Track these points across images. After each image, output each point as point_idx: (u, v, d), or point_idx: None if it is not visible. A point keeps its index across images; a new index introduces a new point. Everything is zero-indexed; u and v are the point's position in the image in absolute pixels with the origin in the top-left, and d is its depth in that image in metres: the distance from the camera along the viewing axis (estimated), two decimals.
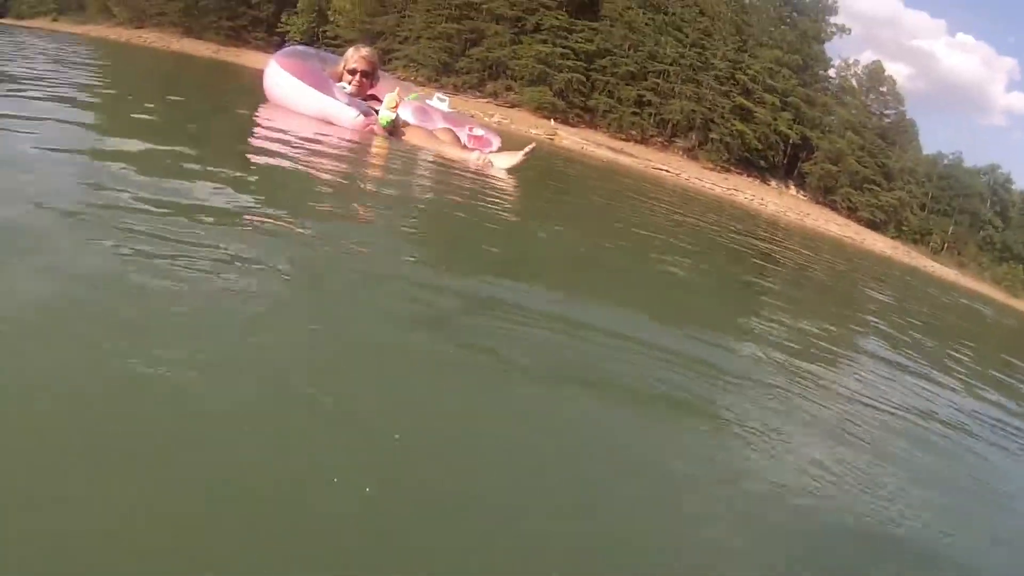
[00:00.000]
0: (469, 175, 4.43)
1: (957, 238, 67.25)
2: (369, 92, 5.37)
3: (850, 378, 2.58)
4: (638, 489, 1.17)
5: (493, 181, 4.48)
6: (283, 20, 61.55)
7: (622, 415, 1.45)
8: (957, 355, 4.70)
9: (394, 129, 5.05)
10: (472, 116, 7.01)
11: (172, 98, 6.25)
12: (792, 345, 2.73)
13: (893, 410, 2.24)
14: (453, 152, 5.09)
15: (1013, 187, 72.53)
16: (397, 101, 5.01)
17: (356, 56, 5.36)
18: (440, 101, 6.02)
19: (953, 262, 65.32)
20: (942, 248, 65.88)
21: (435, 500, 0.92)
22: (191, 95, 7.31)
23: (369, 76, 5.37)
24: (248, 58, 46.48)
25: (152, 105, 4.91)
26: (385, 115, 4.91)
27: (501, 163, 5.04)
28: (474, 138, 5.64)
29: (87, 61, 9.56)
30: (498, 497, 0.98)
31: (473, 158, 4.96)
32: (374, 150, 4.51)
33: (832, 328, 3.76)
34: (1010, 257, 71.18)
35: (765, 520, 1.20)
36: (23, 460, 0.77)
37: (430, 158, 4.77)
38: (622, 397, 1.53)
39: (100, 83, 6.31)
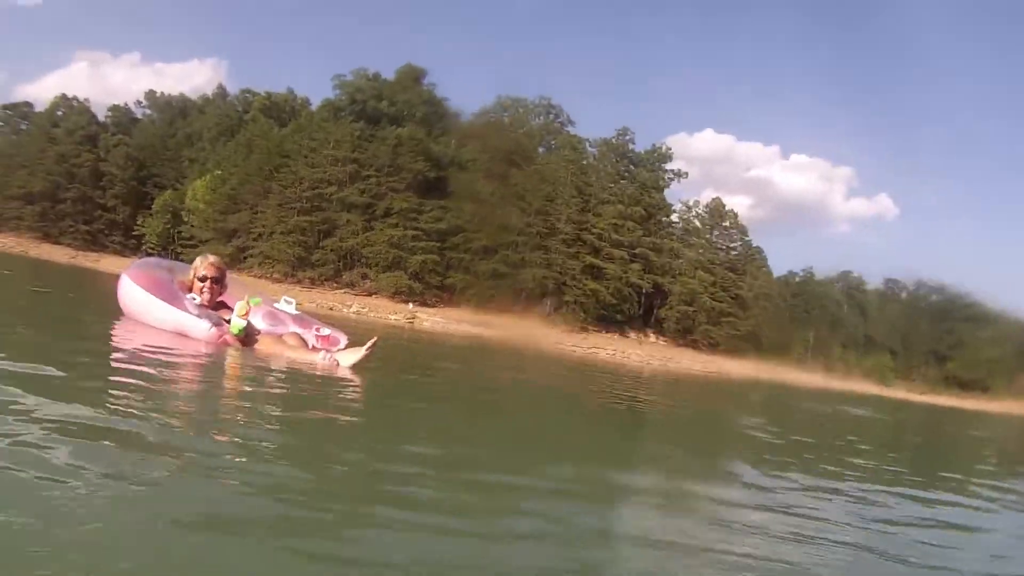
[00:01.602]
0: (320, 376, 4.62)
1: (819, 344, 70.72)
2: (219, 299, 5.45)
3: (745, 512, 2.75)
4: None
5: (347, 380, 4.65)
6: (138, 223, 61.56)
7: None
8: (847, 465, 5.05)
9: (246, 336, 5.09)
10: (318, 316, 7.02)
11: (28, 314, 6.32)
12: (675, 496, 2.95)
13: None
14: (302, 356, 5.20)
15: (867, 287, 77.20)
16: (247, 308, 5.08)
17: (204, 264, 5.42)
18: (287, 303, 6.03)
19: (820, 366, 68.52)
20: (806, 356, 69.13)
21: None
22: (48, 311, 7.18)
23: (218, 282, 5.41)
24: (107, 263, 46.08)
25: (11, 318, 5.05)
26: (236, 323, 4.98)
27: (346, 360, 5.09)
28: (321, 338, 5.65)
29: None
30: None
31: (319, 359, 5.05)
32: (228, 361, 4.55)
33: (711, 472, 3.95)
34: (875, 349, 75.06)
35: None
36: None
37: (282, 364, 4.83)
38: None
39: None
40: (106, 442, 2.01)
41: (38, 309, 6.90)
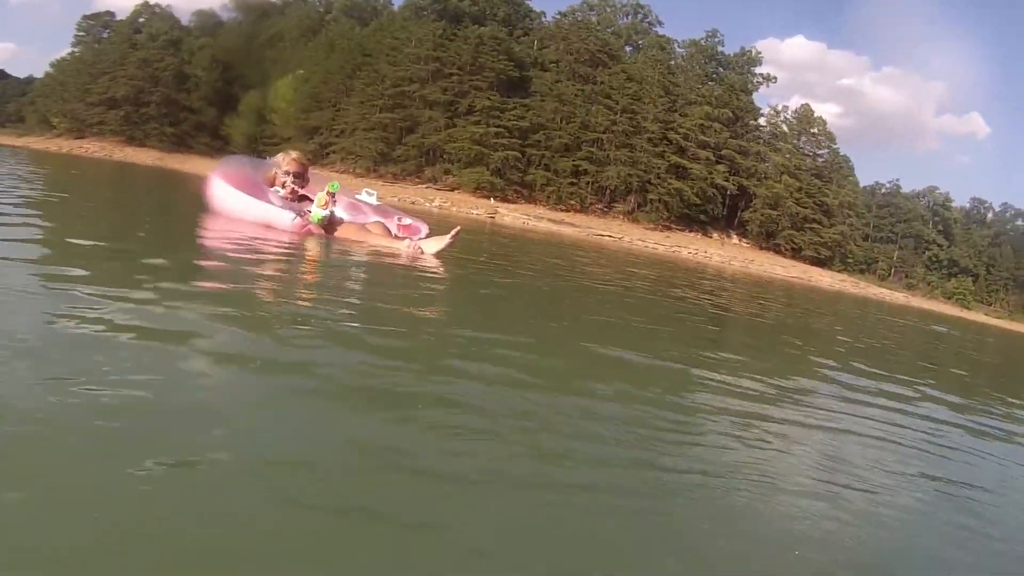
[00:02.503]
0: (404, 263, 4.82)
1: (903, 262, 68.89)
2: (302, 192, 5.67)
3: (830, 416, 2.79)
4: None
5: (430, 267, 4.84)
6: (225, 123, 62.19)
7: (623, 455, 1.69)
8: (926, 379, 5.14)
9: (328, 225, 5.37)
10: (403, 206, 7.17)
11: (124, 211, 6.66)
12: (765, 391, 2.94)
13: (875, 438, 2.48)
14: (386, 243, 5.47)
15: (953, 205, 74.69)
16: (327, 199, 5.35)
17: (287, 160, 5.67)
18: (368, 195, 6.29)
19: (902, 286, 66.87)
20: (889, 274, 67.45)
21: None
22: (142, 209, 7.54)
23: (300, 176, 5.64)
24: (194, 164, 46.70)
25: (107, 217, 5.38)
26: (317, 213, 5.27)
27: (430, 248, 5.36)
28: (403, 227, 5.91)
29: (35, 176, 9.67)
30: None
31: (404, 246, 5.32)
32: (314, 248, 4.79)
33: (794, 372, 3.93)
34: (958, 271, 73.02)
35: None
36: None
37: (366, 251, 5.06)
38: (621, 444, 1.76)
39: (54, 198, 6.57)
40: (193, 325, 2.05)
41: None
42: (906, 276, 67.96)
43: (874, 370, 4.72)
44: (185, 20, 67.93)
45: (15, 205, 4.89)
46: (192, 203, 5.90)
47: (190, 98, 63.90)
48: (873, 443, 2.44)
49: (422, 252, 5.28)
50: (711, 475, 1.68)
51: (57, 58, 78.39)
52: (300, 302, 2.91)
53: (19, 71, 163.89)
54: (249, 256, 3.88)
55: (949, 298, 68.60)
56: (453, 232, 5.41)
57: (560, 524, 1.27)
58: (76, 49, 73.52)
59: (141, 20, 69.23)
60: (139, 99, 63.55)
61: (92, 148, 60.32)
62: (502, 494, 1.34)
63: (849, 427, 2.61)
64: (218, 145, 61.28)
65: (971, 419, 3.56)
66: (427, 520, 1.19)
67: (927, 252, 70.33)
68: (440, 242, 5.39)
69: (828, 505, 1.65)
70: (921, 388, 4.43)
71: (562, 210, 53.72)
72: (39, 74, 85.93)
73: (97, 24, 73.28)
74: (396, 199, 42.91)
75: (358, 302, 3.15)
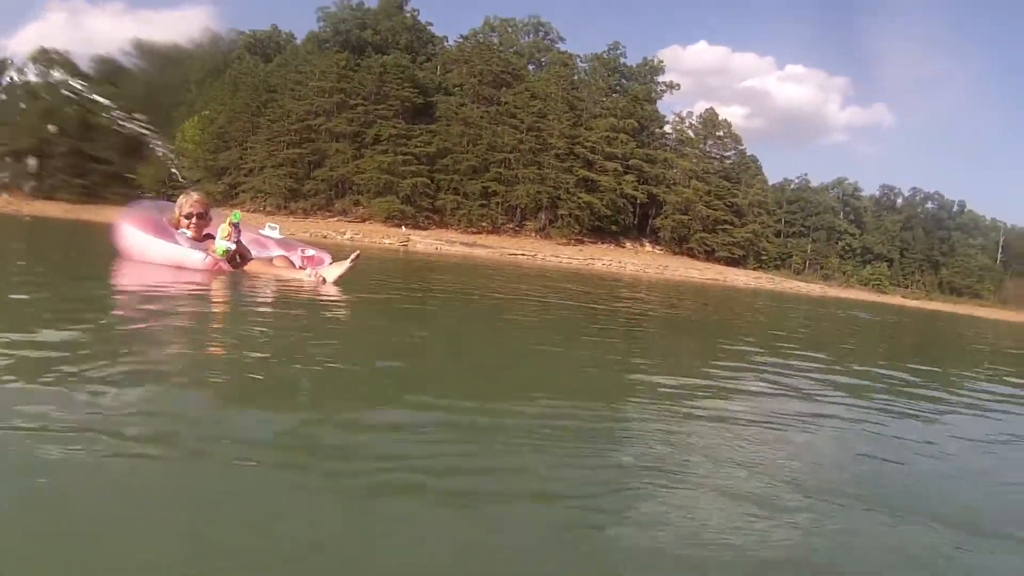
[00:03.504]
0: (310, 291, 5.01)
1: (817, 254, 70.84)
2: (205, 231, 5.83)
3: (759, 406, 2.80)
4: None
5: (333, 296, 4.99)
6: (135, 171, 61.41)
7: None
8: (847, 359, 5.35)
9: (237, 262, 5.55)
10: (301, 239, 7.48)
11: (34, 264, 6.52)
12: (688, 389, 2.93)
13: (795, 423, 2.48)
14: (289, 274, 5.68)
15: (862, 194, 77.08)
16: (229, 230, 5.46)
17: (189, 201, 5.77)
18: (271, 229, 6.48)
19: (818, 277, 68.76)
20: (804, 267, 69.32)
21: None
22: (53, 258, 7.56)
23: (203, 217, 5.78)
24: (107, 214, 45.89)
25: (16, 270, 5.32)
26: (221, 244, 5.38)
27: (331, 275, 5.51)
28: (307, 259, 6.10)
29: None
30: None
31: (305, 276, 5.49)
32: (225, 285, 4.90)
33: (721, 365, 3.98)
34: (872, 258, 75.34)
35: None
36: None
37: (272, 283, 5.26)
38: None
39: None
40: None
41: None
42: (821, 268, 69.87)
43: (796, 358, 4.90)
44: (83, 65, 66.84)
45: None
46: (105, 251, 5.94)
47: (96, 147, 62.93)
48: (809, 431, 2.48)
49: (324, 280, 5.45)
50: (640, 476, 1.66)
51: None
52: (213, 341, 2.93)
53: None
54: (160, 296, 4.05)
55: (865, 284, 70.72)
56: (352, 257, 5.55)
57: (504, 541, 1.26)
58: None
59: (38, 66, 68.09)
60: (43, 151, 62.49)
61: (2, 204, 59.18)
62: (435, 512, 1.34)
63: (793, 414, 2.67)
64: (131, 193, 60.61)
65: (892, 396, 3.67)
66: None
67: (840, 242, 72.40)
68: (340, 267, 5.55)
69: (759, 500, 1.61)
70: (840, 366, 4.71)
71: (474, 232, 54.29)
72: None
73: None
74: (308, 234, 42.86)
75: (263, 339, 3.10)
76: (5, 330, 2.46)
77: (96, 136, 66.97)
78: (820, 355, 5.44)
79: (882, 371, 4.90)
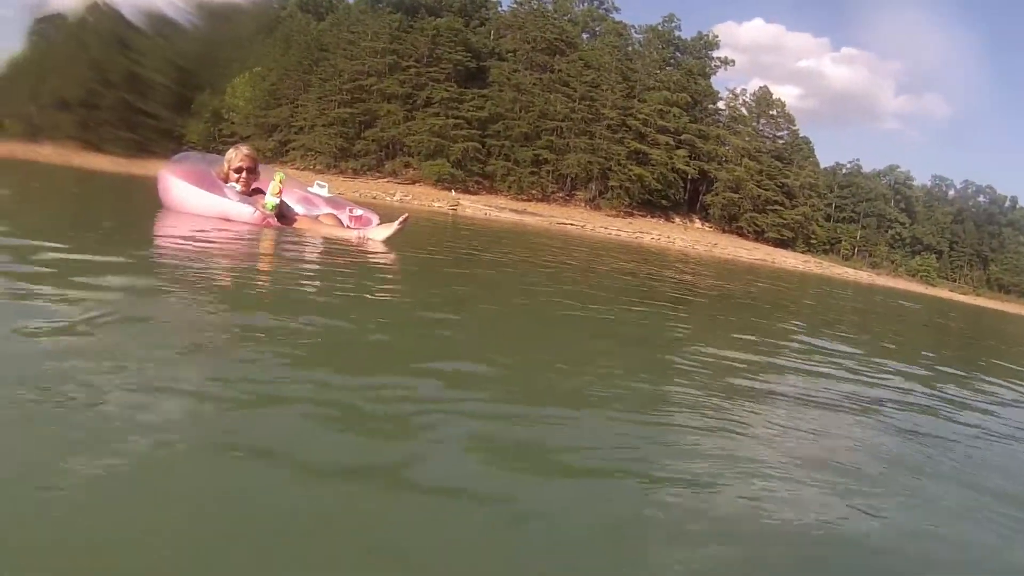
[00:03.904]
0: (357, 250, 4.93)
1: (867, 241, 69.51)
2: (253, 187, 5.73)
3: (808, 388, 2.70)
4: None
5: (381, 256, 4.93)
6: (179, 124, 61.50)
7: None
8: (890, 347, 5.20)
9: (285, 218, 5.55)
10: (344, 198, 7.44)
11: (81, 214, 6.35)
12: (736, 368, 2.82)
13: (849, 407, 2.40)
14: (338, 233, 5.67)
15: (914, 183, 75.49)
16: (280, 187, 5.48)
17: (239, 155, 5.71)
18: (320, 187, 6.38)
19: (866, 264, 67.55)
20: (853, 253, 68.08)
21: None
22: (99, 208, 7.26)
23: (252, 172, 5.72)
24: (153, 167, 46.32)
25: (62, 222, 5.12)
26: (270, 200, 5.38)
27: (379, 235, 5.47)
28: (355, 218, 6.03)
29: None
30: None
31: (354, 236, 5.50)
32: (272, 240, 4.85)
33: (768, 347, 3.87)
34: (922, 249, 73.88)
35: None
36: None
37: (319, 240, 5.23)
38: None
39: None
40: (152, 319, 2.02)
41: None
42: (870, 255, 68.62)
43: (845, 344, 4.83)
44: (134, 20, 67.01)
45: None
46: (152, 204, 5.83)
47: (145, 101, 63.10)
48: (859, 419, 2.37)
49: (371, 239, 5.43)
50: (692, 460, 1.57)
51: (9, 58, 77.46)
52: (258, 293, 2.91)
53: None
54: (213, 249, 3.94)
55: (913, 275, 69.44)
56: (401, 219, 5.51)
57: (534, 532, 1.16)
58: (27, 51, 72.57)
59: (90, 20, 68.34)
60: (91, 102, 62.78)
61: (47, 153, 59.44)
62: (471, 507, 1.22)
63: (838, 401, 2.58)
64: (176, 148, 60.66)
65: (941, 388, 3.51)
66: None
67: (890, 231, 71.03)
68: (388, 229, 5.49)
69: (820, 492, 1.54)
70: (887, 358, 4.45)
71: (524, 200, 53.77)
72: None
73: (48, 26, 72.25)
74: (357, 194, 42.69)
75: (310, 298, 3.05)
76: (52, 282, 2.29)
77: (143, 89, 67.56)
78: (887, 346, 5.33)
79: (929, 362, 4.83)
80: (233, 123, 58.98)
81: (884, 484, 1.66)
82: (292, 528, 1.00)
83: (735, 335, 4.18)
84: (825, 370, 3.22)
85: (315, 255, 4.54)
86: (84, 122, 66.36)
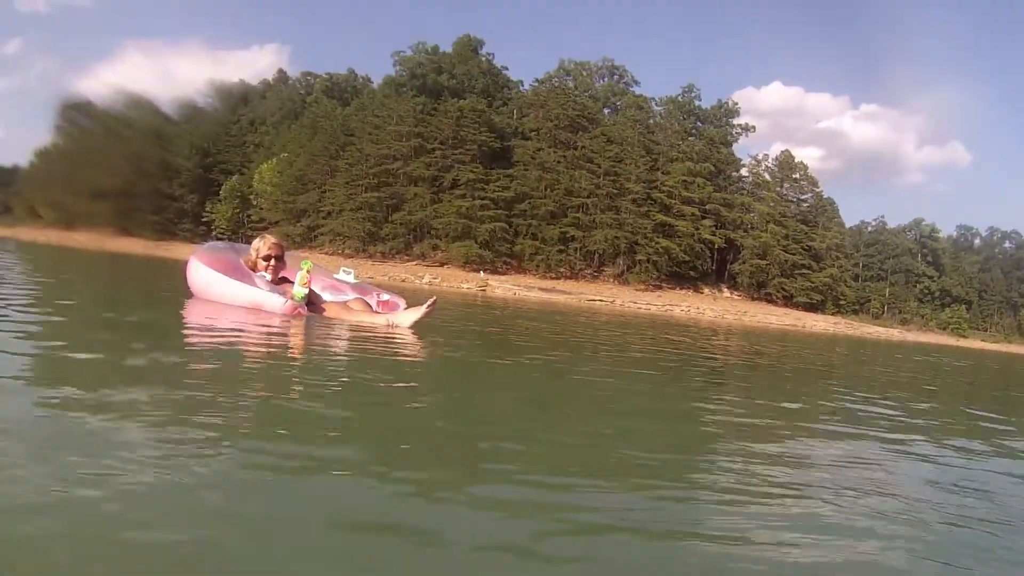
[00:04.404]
0: (387, 336, 4.97)
1: (896, 298, 69.07)
2: (281, 275, 5.79)
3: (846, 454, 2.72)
4: None
5: (410, 342, 4.93)
6: (207, 209, 62.53)
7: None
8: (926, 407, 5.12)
9: (313, 305, 5.56)
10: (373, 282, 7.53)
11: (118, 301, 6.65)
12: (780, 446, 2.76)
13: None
14: (368, 319, 5.65)
15: (940, 235, 75.14)
16: (308, 277, 5.47)
17: (267, 244, 5.76)
18: (346, 274, 6.42)
19: (896, 322, 67.01)
20: (882, 311, 67.59)
21: None
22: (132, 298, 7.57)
23: (280, 260, 5.78)
24: (178, 251, 46.92)
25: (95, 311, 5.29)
26: (299, 291, 5.39)
27: (407, 320, 5.49)
28: (382, 303, 6.08)
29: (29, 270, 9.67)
30: None
31: (382, 321, 5.54)
32: (303, 329, 4.88)
33: (805, 415, 3.89)
34: (951, 301, 73.26)
35: None
36: None
37: (348, 327, 5.22)
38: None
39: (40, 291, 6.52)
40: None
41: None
42: (899, 312, 68.09)
43: (880, 402, 4.89)
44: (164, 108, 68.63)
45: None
46: (180, 290, 6.01)
47: (171, 186, 64.29)
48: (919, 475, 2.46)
49: (398, 325, 5.47)
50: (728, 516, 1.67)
51: (41, 148, 79.22)
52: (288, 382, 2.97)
53: (3, 159, 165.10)
54: (246, 338, 4.08)
55: (944, 328, 68.76)
56: (428, 303, 5.57)
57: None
58: (57, 139, 74.21)
59: (120, 109, 69.90)
60: (127, 190, 63.93)
61: (82, 239, 60.46)
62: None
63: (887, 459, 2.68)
64: (201, 231, 61.66)
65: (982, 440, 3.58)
66: None
67: (918, 285, 70.58)
68: (416, 313, 5.55)
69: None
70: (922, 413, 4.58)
71: (552, 278, 53.97)
72: (23, 162, 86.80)
73: (78, 114, 73.96)
74: (386, 277, 43.03)
75: (346, 386, 3.09)
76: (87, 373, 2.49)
77: (172, 175, 68.83)
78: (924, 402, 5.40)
79: (966, 411, 4.98)
80: (261, 208, 59.99)
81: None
82: None
83: (781, 404, 4.21)
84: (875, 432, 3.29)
85: (346, 342, 4.58)
86: (120, 209, 67.12)
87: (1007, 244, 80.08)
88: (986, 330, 74.13)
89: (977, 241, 78.50)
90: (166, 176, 64.86)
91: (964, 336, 66.99)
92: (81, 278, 9.62)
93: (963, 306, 73.01)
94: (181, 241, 58.06)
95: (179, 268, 6.07)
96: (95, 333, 3.72)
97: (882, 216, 76.24)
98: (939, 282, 72.20)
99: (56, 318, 4.07)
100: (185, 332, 4.30)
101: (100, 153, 64.88)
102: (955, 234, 77.05)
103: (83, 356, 2.83)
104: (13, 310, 3.91)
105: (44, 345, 3.00)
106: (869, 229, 70.22)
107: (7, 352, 2.57)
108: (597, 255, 55.90)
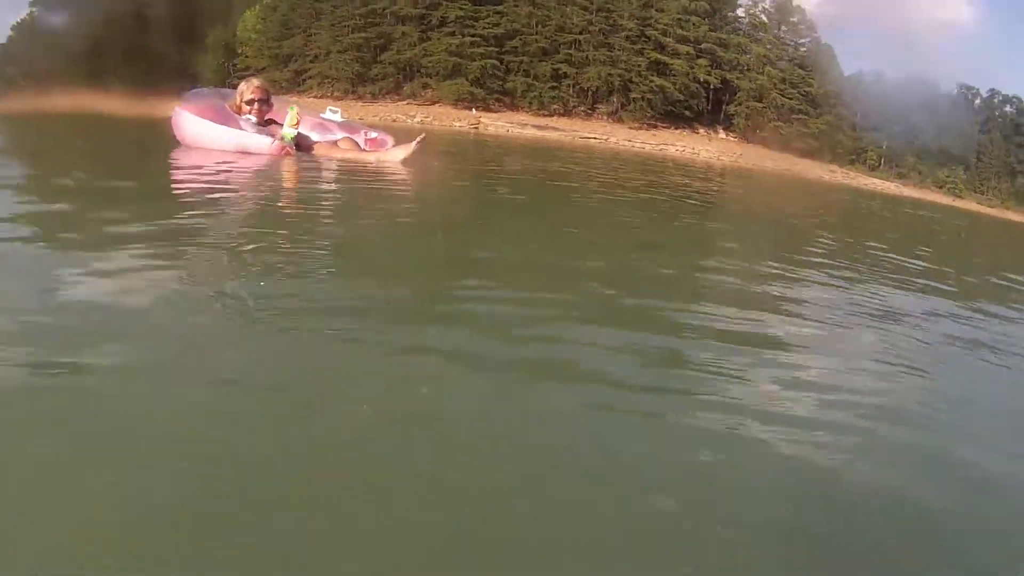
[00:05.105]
0: (376, 171, 5.13)
1: (893, 151, 68.20)
2: (267, 118, 5.87)
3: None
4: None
5: (400, 175, 5.11)
6: (193, 61, 60.97)
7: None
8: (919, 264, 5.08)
9: (298, 143, 5.68)
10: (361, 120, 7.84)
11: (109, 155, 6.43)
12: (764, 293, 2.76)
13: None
14: (357, 156, 5.85)
15: (939, 93, 73.77)
16: (298, 118, 5.65)
17: (250, 87, 5.81)
18: (332, 113, 6.48)
19: (893, 175, 66.39)
20: (879, 164, 66.84)
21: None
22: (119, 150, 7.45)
23: (265, 103, 5.82)
24: (164, 107, 46.05)
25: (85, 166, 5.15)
26: (288, 132, 5.58)
27: (397, 156, 5.68)
28: (370, 141, 6.20)
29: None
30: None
31: (372, 158, 5.72)
32: (293, 168, 5.04)
33: (794, 261, 3.86)
34: (948, 160, 72.47)
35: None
36: None
37: (336, 164, 5.43)
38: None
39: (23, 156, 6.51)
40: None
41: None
42: (896, 166, 67.37)
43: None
44: None
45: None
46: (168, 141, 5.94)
47: (152, 40, 62.52)
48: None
49: (386, 162, 5.58)
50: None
51: (17, 21, 76.96)
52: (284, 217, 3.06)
53: None
54: (236, 181, 4.13)
55: (940, 187, 68.20)
56: (417, 139, 5.70)
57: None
58: (34, 9, 71.92)
59: None
60: (101, 50, 62.17)
61: (63, 103, 59.18)
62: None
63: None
64: (187, 84, 59.99)
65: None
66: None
67: (916, 140, 69.61)
68: (405, 150, 5.68)
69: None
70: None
71: (545, 115, 53.08)
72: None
73: None
74: (377, 118, 42.21)
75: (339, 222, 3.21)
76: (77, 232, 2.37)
77: (150, 29, 66.86)
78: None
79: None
80: (247, 56, 58.47)
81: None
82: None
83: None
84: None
85: (335, 180, 4.70)
86: (95, 70, 65.60)
87: (1008, 108, 78.71)
88: (983, 193, 73.59)
89: (977, 102, 77.08)
90: (144, 30, 63.03)
91: (960, 196, 66.53)
92: (66, 140, 9.30)
93: (960, 167, 72.30)
94: (168, 96, 56.60)
95: (164, 123, 5.92)
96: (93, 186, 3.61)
97: (881, 69, 74.61)
98: (937, 139, 71.24)
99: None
100: (175, 183, 4.25)
101: (74, 15, 62.95)
102: (955, 92, 75.62)
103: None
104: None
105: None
106: (868, 79, 68.78)
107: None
108: (591, 92, 54.80)
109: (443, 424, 1.16)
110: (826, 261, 4.07)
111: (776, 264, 3.43)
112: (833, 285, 3.13)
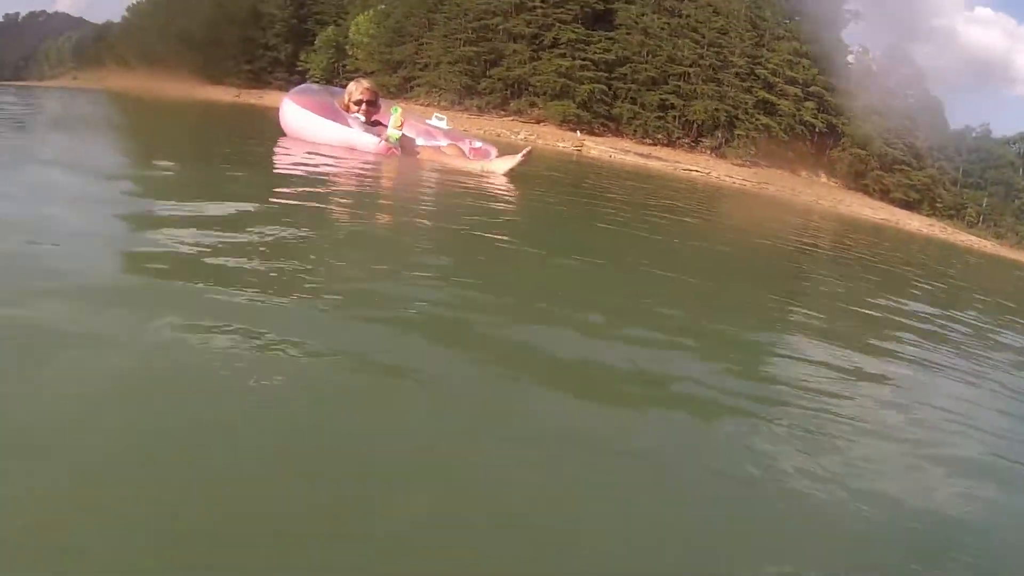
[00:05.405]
0: (480, 180, 5.17)
1: (992, 209, 66.64)
2: (373, 119, 6.01)
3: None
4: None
5: (505, 187, 5.14)
6: (301, 58, 62.49)
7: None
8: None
9: (406, 148, 5.78)
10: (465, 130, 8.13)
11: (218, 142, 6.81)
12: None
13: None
14: (462, 163, 5.86)
15: None
16: (402, 121, 5.75)
17: (360, 88, 5.97)
18: (439, 120, 6.57)
19: (990, 233, 64.83)
20: (978, 221, 65.37)
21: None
22: (227, 137, 7.76)
23: (373, 104, 5.96)
24: (271, 98, 47.08)
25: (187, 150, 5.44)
26: (393, 133, 5.65)
27: (501, 167, 5.65)
28: (474, 150, 6.25)
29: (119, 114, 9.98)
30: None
31: (477, 167, 5.71)
32: (397, 170, 5.16)
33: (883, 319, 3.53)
34: None
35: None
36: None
37: (442, 170, 5.48)
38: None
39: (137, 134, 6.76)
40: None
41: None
42: (995, 224, 65.78)
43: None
44: None
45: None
46: (272, 130, 6.11)
47: (265, 35, 64.28)
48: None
49: (491, 172, 5.56)
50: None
51: (133, 2, 79.77)
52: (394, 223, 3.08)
53: (97, 18, 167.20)
54: (341, 176, 4.13)
55: None
56: (524, 152, 5.66)
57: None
58: None
59: None
60: (215, 39, 64.05)
61: (171, 88, 61.03)
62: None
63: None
64: (296, 80, 61.51)
65: None
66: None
67: (1016, 201, 67.90)
68: (511, 161, 5.60)
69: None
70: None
71: (649, 143, 53.11)
72: (117, 19, 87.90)
73: None
74: (482, 131, 42.65)
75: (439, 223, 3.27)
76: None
77: (264, 25, 68.71)
78: None
79: None
80: (357, 59, 59.63)
81: None
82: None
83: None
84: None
85: (439, 185, 4.68)
86: (207, 58, 67.37)
87: None
88: None
89: None
90: (258, 25, 64.85)
91: None
92: (173, 123, 9.58)
93: None
94: (274, 89, 58.12)
95: (271, 114, 6.23)
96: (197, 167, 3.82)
97: (987, 123, 73.14)
98: None
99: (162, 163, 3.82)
100: (278, 168, 4.37)
101: (190, 2, 65.04)
102: None
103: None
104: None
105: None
106: (973, 135, 67.45)
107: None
108: (696, 125, 54.68)
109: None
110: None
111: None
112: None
